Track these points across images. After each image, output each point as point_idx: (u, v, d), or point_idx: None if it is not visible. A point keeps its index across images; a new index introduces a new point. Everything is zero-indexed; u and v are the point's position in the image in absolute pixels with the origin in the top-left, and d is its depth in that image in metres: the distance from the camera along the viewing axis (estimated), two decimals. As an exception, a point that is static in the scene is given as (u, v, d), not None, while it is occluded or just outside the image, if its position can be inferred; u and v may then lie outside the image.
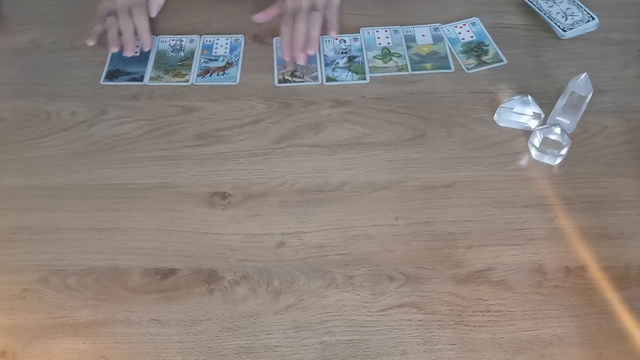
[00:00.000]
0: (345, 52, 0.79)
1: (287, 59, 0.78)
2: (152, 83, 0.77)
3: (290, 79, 0.76)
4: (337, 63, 0.78)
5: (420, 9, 0.84)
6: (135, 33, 0.79)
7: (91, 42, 0.80)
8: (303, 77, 0.76)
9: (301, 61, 0.76)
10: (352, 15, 0.84)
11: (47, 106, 0.75)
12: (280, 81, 0.76)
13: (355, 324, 0.57)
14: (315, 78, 0.76)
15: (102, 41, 0.80)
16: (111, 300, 0.59)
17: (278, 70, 0.78)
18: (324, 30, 0.79)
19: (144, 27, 0.79)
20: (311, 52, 0.77)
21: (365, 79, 0.76)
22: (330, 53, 0.79)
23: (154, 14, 0.83)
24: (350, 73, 0.77)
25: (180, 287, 0.59)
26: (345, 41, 0.81)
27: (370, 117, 0.73)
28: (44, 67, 0.79)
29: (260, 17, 0.82)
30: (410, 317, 0.57)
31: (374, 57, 0.79)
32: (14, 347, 0.56)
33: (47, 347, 0.56)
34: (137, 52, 0.79)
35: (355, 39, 0.81)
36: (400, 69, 0.77)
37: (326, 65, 0.78)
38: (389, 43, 0.80)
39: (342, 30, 0.82)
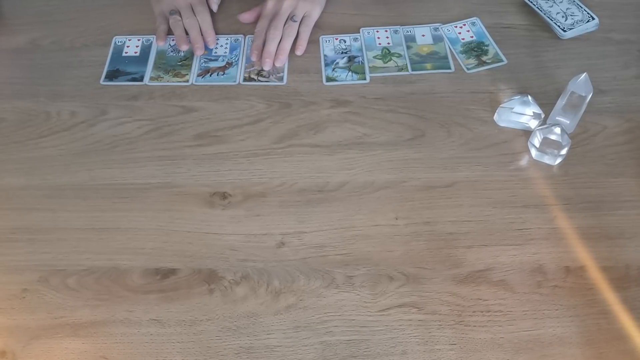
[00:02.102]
0: (345, 52, 0.79)
1: (253, 59, 0.78)
2: (152, 83, 0.77)
3: (255, 77, 0.77)
4: (337, 63, 0.78)
5: (420, 9, 0.84)
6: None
7: (161, 42, 0.80)
8: (269, 77, 0.77)
9: (267, 67, 0.77)
10: (352, 15, 0.84)
11: (47, 106, 0.75)
12: (245, 79, 0.77)
13: (355, 324, 0.57)
14: (281, 79, 0.76)
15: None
16: (111, 300, 0.59)
17: (245, 69, 0.78)
18: (292, 46, 0.79)
19: (207, 24, 0.81)
20: (279, 63, 0.78)
21: (365, 79, 0.76)
22: (330, 53, 0.79)
23: (215, 8, 0.83)
24: (350, 73, 0.77)
25: (180, 287, 0.59)
26: (345, 41, 0.81)
27: (370, 117, 0.73)
28: (44, 67, 0.79)
29: (245, 17, 0.83)
30: (410, 317, 0.57)
31: (374, 57, 0.79)
32: (14, 347, 0.56)
33: (47, 347, 0.56)
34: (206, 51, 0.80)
35: (355, 39, 0.81)
36: (401, 69, 0.77)
37: (326, 65, 0.78)
38: (389, 43, 0.80)
39: (342, 30, 0.82)
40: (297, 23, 0.80)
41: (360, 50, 0.79)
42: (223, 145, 0.70)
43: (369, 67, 0.77)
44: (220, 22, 0.84)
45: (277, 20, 0.79)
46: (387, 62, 0.78)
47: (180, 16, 0.81)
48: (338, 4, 0.85)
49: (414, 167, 0.68)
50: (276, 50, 0.78)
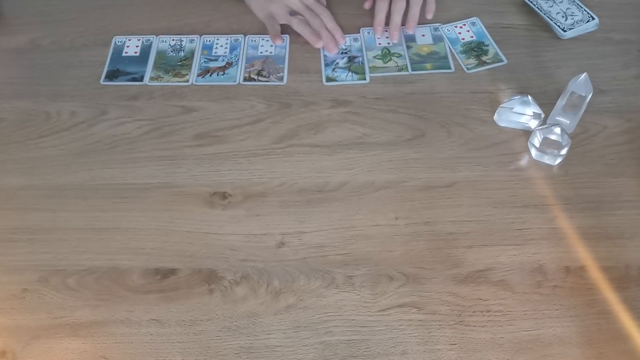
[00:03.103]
0: (345, 53, 0.79)
1: (378, 35, 0.80)
2: (152, 83, 0.77)
3: (255, 77, 0.77)
4: (337, 63, 0.78)
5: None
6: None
7: (280, 42, 0.80)
8: (269, 76, 0.77)
9: (395, 39, 0.79)
10: (352, 15, 0.84)
11: (47, 106, 0.75)
12: (245, 79, 0.77)
13: (355, 324, 0.57)
14: (281, 78, 0.76)
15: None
16: (111, 300, 0.59)
17: (245, 69, 0.78)
18: (421, 11, 0.80)
19: (332, 22, 0.81)
20: (411, 31, 0.79)
21: (365, 79, 0.76)
22: (330, 53, 0.79)
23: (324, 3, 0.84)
24: (350, 73, 0.77)
25: (180, 287, 0.59)
26: (345, 41, 0.81)
27: (370, 117, 0.73)
28: (44, 67, 0.79)
29: (367, 4, 0.84)
30: (410, 317, 0.57)
31: (374, 57, 0.79)
32: (14, 347, 0.56)
33: (47, 347, 0.56)
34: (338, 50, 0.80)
35: (356, 39, 0.81)
36: (400, 69, 0.77)
37: (326, 65, 0.78)
38: (389, 43, 0.80)
39: (343, 30, 0.81)
40: None
41: (360, 50, 0.79)
42: (223, 145, 0.70)
43: (369, 67, 0.77)
44: (220, 22, 0.84)
45: None
46: (387, 62, 0.78)
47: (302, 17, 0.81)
48: (338, 4, 0.85)
49: (414, 167, 0.68)
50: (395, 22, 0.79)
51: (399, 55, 0.79)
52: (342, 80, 0.76)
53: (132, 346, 0.56)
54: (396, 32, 0.79)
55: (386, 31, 0.81)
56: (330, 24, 0.80)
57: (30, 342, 0.56)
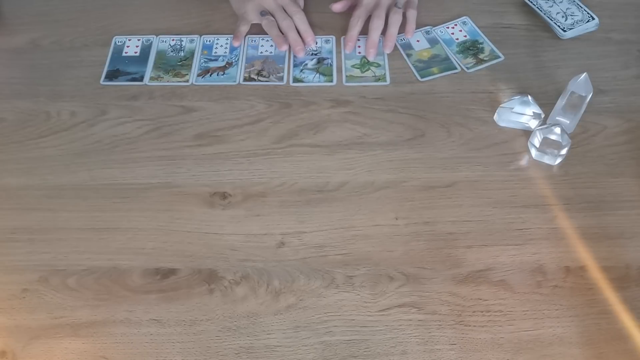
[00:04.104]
0: (315, 54, 0.79)
1: (347, 51, 0.78)
2: (152, 83, 0.77)
3: (255, 77, 0.76)
4: (306, 64, 0.78)
5: (419, 8, 0.84)
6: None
7: (238, 44, 0.80)
8: (269, 76, 0.76)
9: (371, 57, 0.77)
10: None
11: (47, 106, 0.75)
12: (245, 79, 0.76)
13: (355, 324, 0.57)
14: (281, 78, 0.76)
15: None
16: (111, 300, 0.59)
17: (245, 69, 0.77)
18: (400, 29, 0.78)
19: (305, 24, 0.79)
20: (387, 50, 0.77)
21: (332, 81, 0.76)
22: (297, 56, 0.79)
23: (302, 4, 0.83)
24: (317, 75, 0.76)
25: (180, 287, 0.59)
26: (316, 43, 0.80)
27: (370, 117, 0.73)
28: (44, 67, 0.79)
29: (338, 7, 0.82)
30: (410, 317, 0.57)
31: (352, 66, 0.78)
32: (14, 347, 0.56)
33: (47, 347, 0.56)
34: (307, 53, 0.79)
35: (327, 41, 0.80)
36: (378, 79, 0.76)
37: (295, 66, 0.78)
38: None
39: (339, 30, 0.81)
40: (402, 10, 0.78)
41: (331, 52, 0.79)
42: (223, 145, 0.70)
43: (346, 76, 0.76)
44: (220, 22, 0.84)
45: (380, 9, 0.78)
46: (364, 71, 0.77)
47: (274, 17, 0.79)
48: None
49: (414, 167, 0.68)
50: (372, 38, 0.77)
51: (378, 66, 0.77)
52: (308, 82, 0.76)
53: (132, 346, 0.56)
54: (373, 50, 0.77)
55: (359, 47, 0.79)
56: (303, 26, 0.79)
57: (30, 342, 0.56)
